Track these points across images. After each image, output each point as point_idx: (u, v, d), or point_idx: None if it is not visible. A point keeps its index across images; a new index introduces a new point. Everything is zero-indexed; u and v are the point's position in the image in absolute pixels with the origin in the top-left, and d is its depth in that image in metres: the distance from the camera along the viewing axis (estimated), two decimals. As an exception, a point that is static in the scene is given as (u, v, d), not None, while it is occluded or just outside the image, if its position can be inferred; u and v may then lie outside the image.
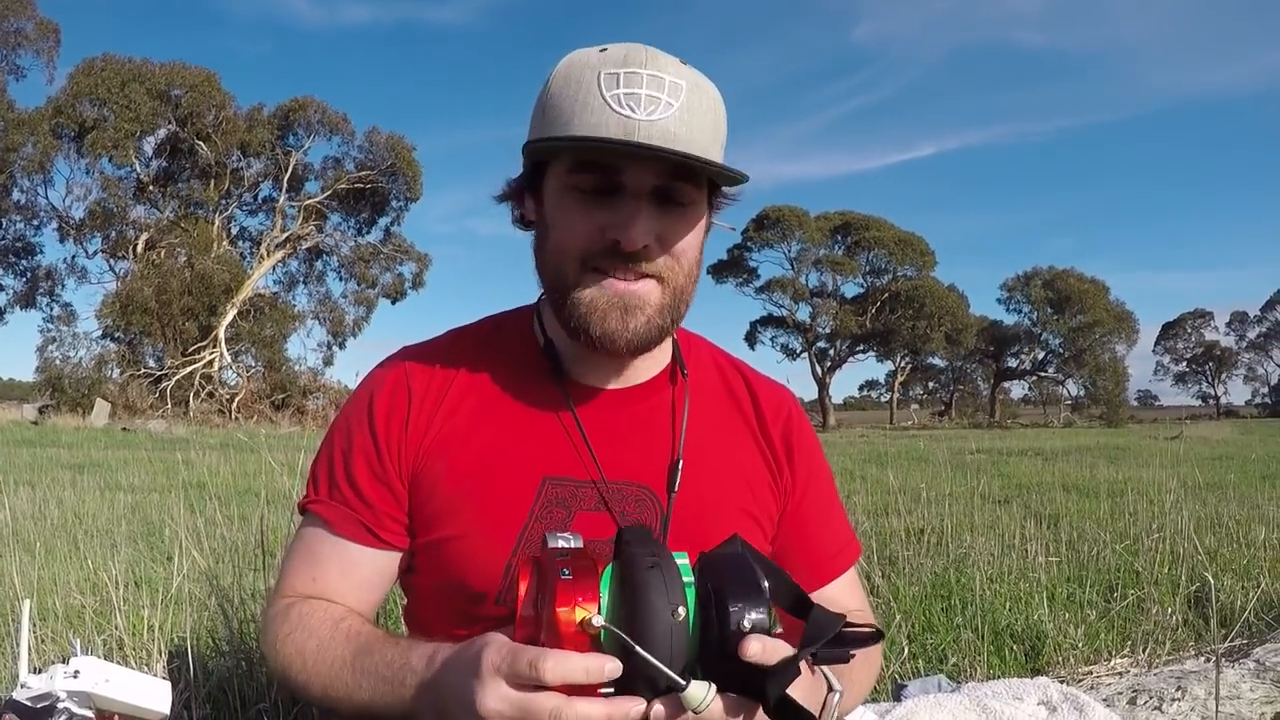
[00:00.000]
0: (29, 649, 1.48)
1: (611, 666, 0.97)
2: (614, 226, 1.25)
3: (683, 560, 1.04)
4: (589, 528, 1.33)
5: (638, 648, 0.96)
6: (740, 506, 1.45)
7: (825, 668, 1.19)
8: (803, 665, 1.03)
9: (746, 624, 0.98)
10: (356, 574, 1.39)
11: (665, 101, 1.21)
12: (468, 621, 1.34)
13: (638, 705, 0.98)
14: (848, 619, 1.08)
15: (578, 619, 0.98)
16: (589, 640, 0.98)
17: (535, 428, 1.39)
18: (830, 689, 1.20)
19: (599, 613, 0.98)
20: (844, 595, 1.55)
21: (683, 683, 0.97)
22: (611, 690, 0.98)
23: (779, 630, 1.02)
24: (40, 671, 1.49)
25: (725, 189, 1.38)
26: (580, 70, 1.24)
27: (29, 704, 1.39)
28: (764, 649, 0.99)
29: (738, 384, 1.56)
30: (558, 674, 0.96)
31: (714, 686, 0.99)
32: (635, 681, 0.98)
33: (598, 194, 1.26)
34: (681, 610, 0.99)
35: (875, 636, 1.12)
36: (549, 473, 1.36)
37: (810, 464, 1.55)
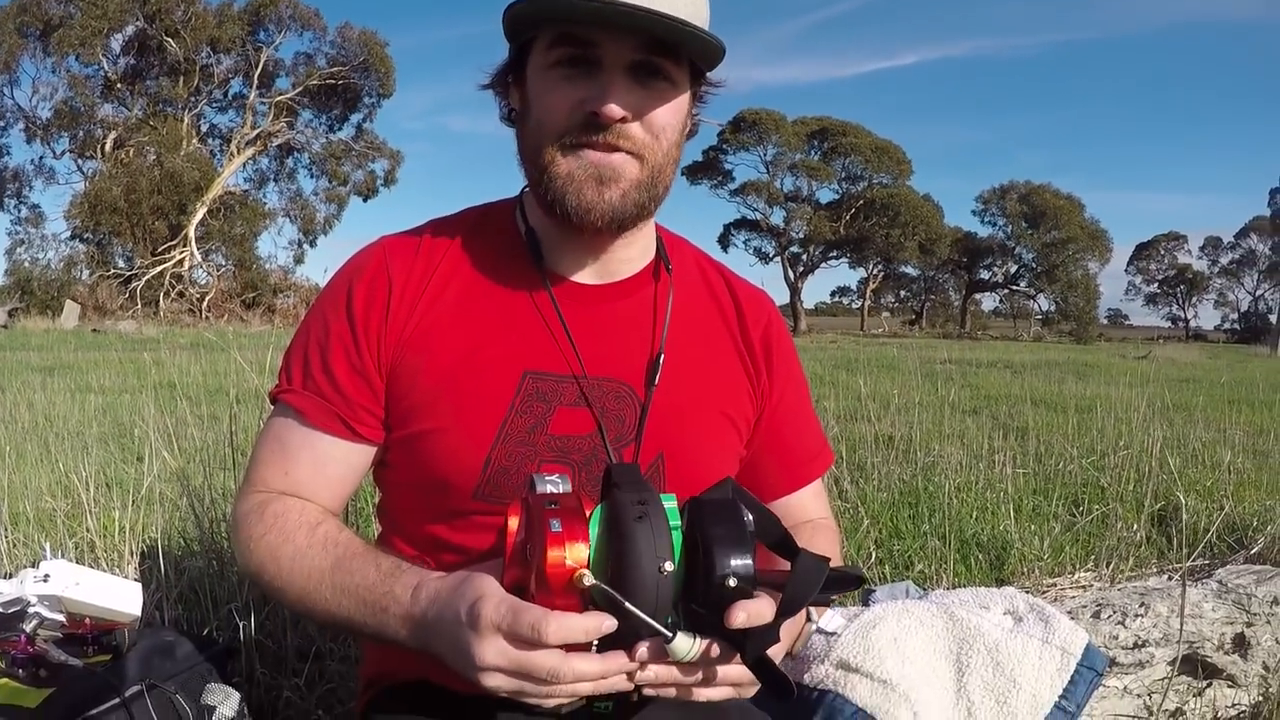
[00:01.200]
0: (-1, 553, 1.48)
1: (609, 624, 0.99)
2: (591, 99, 1.23)
3: (670, 504, 1.04)
4: (568, 423, 1.33)
5: (627, 604, 0.97)
6: (717, 407, 1.44)
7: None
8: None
9: (732, 580, 0.99)
10: (329, 468, 1.36)
11: None
12: (444, 516, 1.35)
13: (630, 665, 1.01)
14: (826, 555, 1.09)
15: (568, 575, 0.98)
16: (579, 593, 1.00)
17: (517, 321, 1.36)
18: (809, 619, 1.22)
19: (588, 562, 0.99)
20: (812, 502, 1.58)
21: (669, 635, 0.99)
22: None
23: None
24: (11, 577, 1.49)
25: (710, 77, 1.37)
26: None
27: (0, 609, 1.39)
28: (748, 616, 1.00)
29: (720, 286, 1.54)
30: (559, 636, 0.98)
31: (699, 638, 1.01)
32: (623, 631, 0.99)
33: (576, 69, 1.24)
34: (668, 565, 0.99)
35: (857, 581, 1.13)
36: (530, 367, 1.34)
37: (788, 370, 1.54)
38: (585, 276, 1.40)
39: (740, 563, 0.99)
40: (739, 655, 1.02)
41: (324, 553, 1.24)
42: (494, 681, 1.02)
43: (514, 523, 1.07)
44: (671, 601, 1.00)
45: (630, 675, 1.02)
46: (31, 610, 1.42)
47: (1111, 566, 3.40)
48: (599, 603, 1.00)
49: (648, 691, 1.06)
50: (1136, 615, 2.46)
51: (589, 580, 0.98)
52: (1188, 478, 5.02)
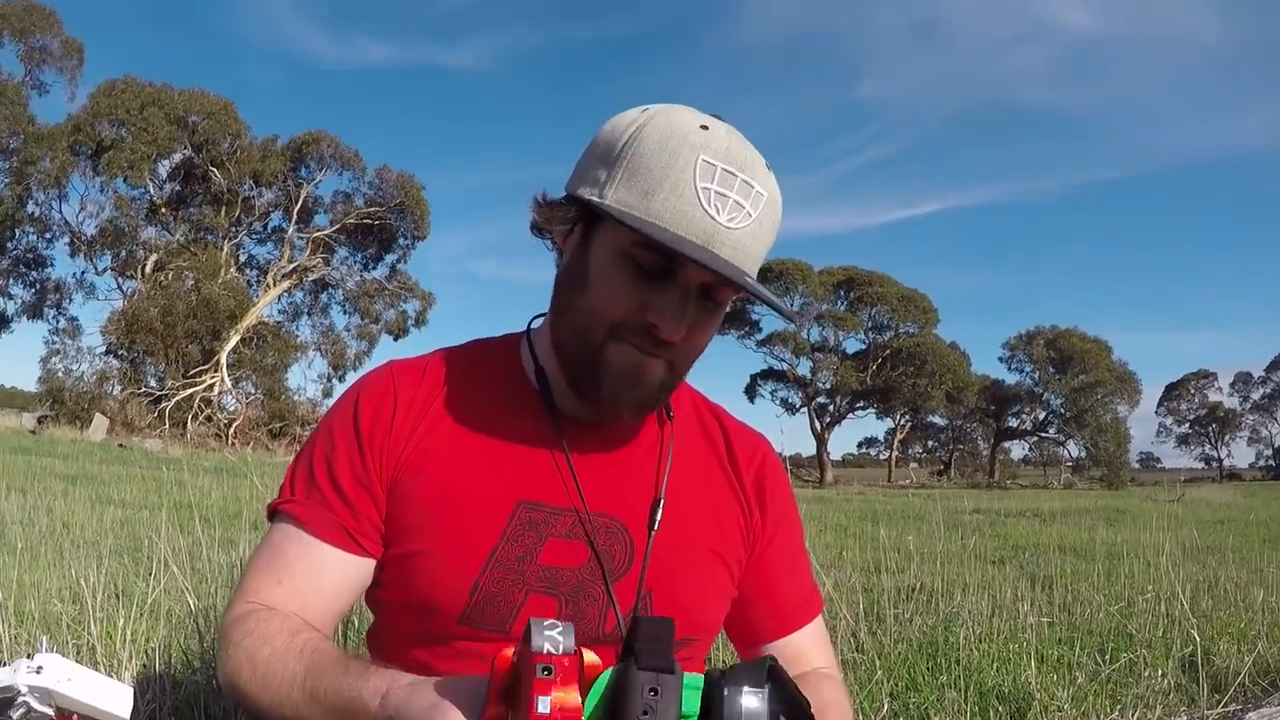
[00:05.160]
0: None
1: None
2: (656, 312, 1.23)
3: (694, 686, 0.95)
4: (559, 555, 1.33)
5: None
6: (709, 546, 1.44)
7: None
8: None
9: None
10: (326, 579, 1.33)
11: (747, 211, 1.21)
12: (429, 640, 1.33)
13: None
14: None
15: None
16: None
17: (515, 451, 1.37)
18: None
19: None
20: (812, 647, 1.54)
21: None
22: None
23: None
24: (5, 665, 1.47)
25: None
26: (679, 144, 1.21)
27: (-12, 697, 1.37)
28: None
29: (713, 426, 1.56)
30: None
31: None
32: None
33: (650, 273, 1.24)
34: None
35: None
36: (524, 497, 1.34)
37: (781, 511, 1.54)
38: (589, 414, 1.40)
39: None
40: None
41: (299, 658, 1.21)
42: None
43: (508, 653, 0.99)
44: None
45: None
46: (20, 700, 1.39)
47: (1138, 714, 3.30)
48: None
49: None
50: (1161, 765, 2.37)
51: None
52: (1219, 620, 4.88)
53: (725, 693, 0.92)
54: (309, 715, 1.17)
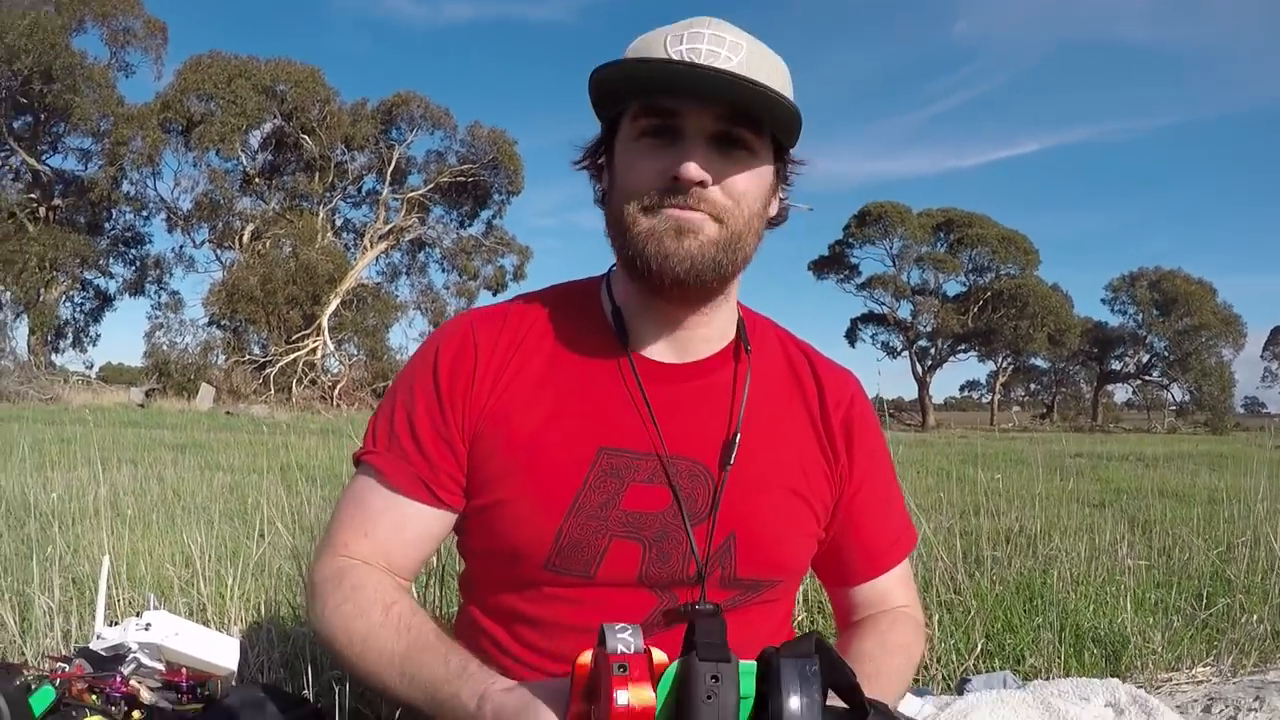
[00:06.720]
0: (106, 604, 1.56)
1: None
2: (672, 165, 1.28)
3: (748, 670, 1.03)
4: (641, 499, 1.36)
5: None
6: (789, 486, 1.45)
7: None
8: None
9: None
10: (408, 531, 1.39)
11: (725, 55, 1.27)
12: (517, 586, 1.38)
13: None
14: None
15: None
16: None
17: (595, 397, 1.40)
18: None
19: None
20: (897, 586, 1.58)
21: None
22: None
23: None
24: (116, 624, 1.57)
25: (794, 155, 1.42)
26: (648, 39, 1.33)
27: (102, 653, 1.46)
28: None
29: (803, 367, 1.55)
30: None
31: None
32: None
33: (661, 139, 1.30)
34: None
35: None
36: (604, 443, 1.37)
37: (870, 453, 1.54)
38: (666, 355, 1.43)
39: None
40: None
41: (396, 636, 1.28)
42: None
43: (585, 657, 1.09)
44: None
45: None
46: (131, 656, 1.48)
47: (1232, 660, 3.25)
48: None
49: None
50: (1250, 709, 2.36)
51: None
52: (1321, 567, 4.75)
53: (779, 664, 1.00)
54: (404, 694, 1.25)
